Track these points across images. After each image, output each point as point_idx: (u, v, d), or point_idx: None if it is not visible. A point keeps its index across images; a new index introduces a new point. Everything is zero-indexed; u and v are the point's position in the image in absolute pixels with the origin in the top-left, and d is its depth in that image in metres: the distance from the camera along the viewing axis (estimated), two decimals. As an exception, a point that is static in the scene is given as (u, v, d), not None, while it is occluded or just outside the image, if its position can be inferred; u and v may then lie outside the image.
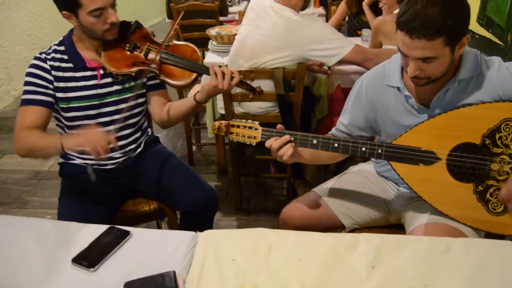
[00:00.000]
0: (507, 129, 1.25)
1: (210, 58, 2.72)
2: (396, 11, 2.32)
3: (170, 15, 3.87)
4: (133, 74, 1.62)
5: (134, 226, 1.31)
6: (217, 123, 1.41)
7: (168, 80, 1.66)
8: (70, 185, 1.73)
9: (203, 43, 3.64)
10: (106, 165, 1.72)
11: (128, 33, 1.65)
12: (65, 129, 1.68)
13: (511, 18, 2.05)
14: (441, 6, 1.16)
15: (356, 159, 2.44)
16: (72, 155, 1.72)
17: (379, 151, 1.32)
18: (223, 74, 1.58)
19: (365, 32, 2.72)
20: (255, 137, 1.40)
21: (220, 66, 1.62)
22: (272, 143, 1.35)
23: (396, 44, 2.25)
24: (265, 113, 2.28)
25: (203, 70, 1.66)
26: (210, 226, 1.82)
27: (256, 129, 1.40)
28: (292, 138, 1.35)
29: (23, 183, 2.97)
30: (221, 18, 3.83)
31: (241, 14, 3.53)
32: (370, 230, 1.59)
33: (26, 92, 1.57)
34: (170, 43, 1.70)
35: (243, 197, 2.64)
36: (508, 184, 1.23)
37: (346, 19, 3.31)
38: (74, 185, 1.71)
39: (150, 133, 1.90)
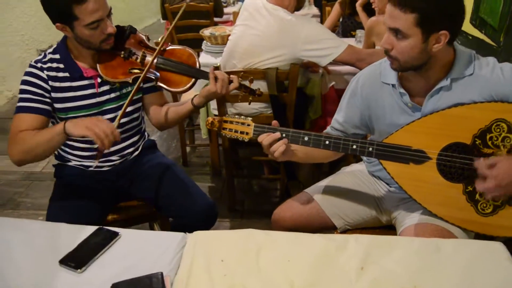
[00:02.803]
0: (498, 130, 1.25)
1: (204, 58, 2.71)
2: (389, 12, 2.31)
3: (164, 15, 3.86)
4: (130, 82, 1.61)
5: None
6: (210, 118, 1.41)
7: (166, 87, 1.65)
8: (63, 187, 1.72)
9: (197, 44, 3.62)
10: (102, 167, 1.71)
11: (122, 39, 1.61)
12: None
13: (504, 18, 2.05)
14: None
15: (350, 159, 2.45)
16: (68, 157, 1.71)
17: (370, 149, 1.32)
18: (222, 79, 1.56)
19: (359, 32, 2.72)
20: (247, 133, 1.39)
21: (216, 68, 1.60)
22: (264, 139, 1.35)
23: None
24: (259, 114, 2.28)
25: (200, 75, 1.65)
26: None
27: (248, 125, 1.39)
28: (284, 135, 1.35)
29: (16, 184, 2.96)
30: (215, 19, 3.83)
31: (236, 14, 3.52)
32: (362, 231, 1.59)
33: (21, 100, 1.53)
34: (166, 48, 1.69)
35: (236, 198, 2.63)
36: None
37: (341, 20, 3.32)
38: (68, 186, 1.70)
39: (147, 137, 1.89)
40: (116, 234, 1.23)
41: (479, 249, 1.13)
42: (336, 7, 3.26)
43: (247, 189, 2.85)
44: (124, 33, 1.62)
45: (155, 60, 1.62)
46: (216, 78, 1.57)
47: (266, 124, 1.38)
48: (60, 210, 1.63)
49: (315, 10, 4.06)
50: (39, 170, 3.08)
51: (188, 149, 3.18)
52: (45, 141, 1.44)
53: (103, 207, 1.73)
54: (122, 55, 1.61)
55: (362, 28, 2.95)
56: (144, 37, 1.68)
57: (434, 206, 1.32)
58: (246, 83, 1.70)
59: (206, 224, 1.76)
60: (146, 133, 1.90)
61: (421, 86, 1.36)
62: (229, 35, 2.66)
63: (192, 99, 1.64)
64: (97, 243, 1.20)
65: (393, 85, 1.41)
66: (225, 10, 4.27)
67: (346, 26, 3.22)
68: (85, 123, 1.37)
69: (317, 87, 2.45)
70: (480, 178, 1.23)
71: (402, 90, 1.38)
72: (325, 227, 1.60)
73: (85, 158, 1.70)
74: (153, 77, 1.63)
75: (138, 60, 1.62)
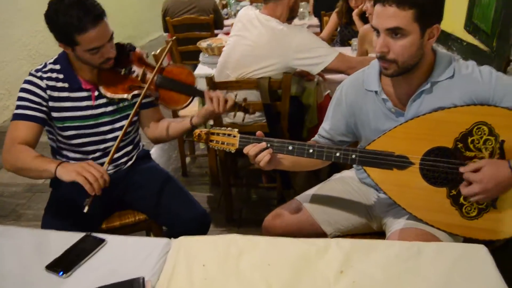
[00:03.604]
0: (479, 133, 1.25)
1: (201, 69, 2.75)
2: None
3: (166, 28, 3.93)
4: (129, 98, 1.64)
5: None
6: (197, 131, 1.43)
7: (165, 104, 1.69)
8: (59, 196, 1.74)
9: (198, 56, 3.68)
10: None
11: (122, 56, 1.65)
12: (59, 143, 1.69)
13: (496, 24, 2.06)
14: None
15: (347, 166, 2.45)
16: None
17: (353, 156, 1.33)
18: (218, 100, 1.61)
19: (355, 41, 2.75)
20: (233, 144, 1.41)
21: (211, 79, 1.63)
22: (249, 150, 1.36)
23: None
24: (253, 123, 2.30)
25: (198, 93, 1.69)
26: None
27: (234, 136, 1.41)
28: (268, 145, 1.36)
29: (18, 196, 3.00)
30: (216, 31, 3.89)
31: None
32: (353, 238, 1.58)
33: (19, 107, 1.57)
34: (165, 67, 1.72)
35: (234, 208, 2.64)
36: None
37: (338, 29, 3.35)
38: (63, 196, 1.72)
39: (141, 147, 1.92)
40: (102, 241, 1.25)
41: (461, 252, 1.12)
42: (334, 16, 3.29)
43: (245, 198, 2.86)
44: (124, 51, 1.67)
45: (155, 78, 1.65)
46: (212, 99, 1.61)
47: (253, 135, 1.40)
48: (54, 220, 1.65)
49: (315, 21, 4.10)
50: (42, 181, 3.12)
51: (188, 159, 3.21)
52: (37, 170, 1.46)
53: (98, 216, 1.75)
54: (122, 73, 1.65)
55: (359, 37, 2.98)
56: (143, 55, 1.72)
57: (419, 211, 1.32)
58: (240, 98, 1.75)
59: (199, 232, 1.77)
60: (140, 144, 1.93)
61: (403, 91, 1.38)
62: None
63: (191, 119, 1.68)
64: (83, 249, 1.22)
65: (376, 92, 1.42)
66: (226, 22, 4.34)
67: (343, 35, 3.25)
68: (75, 168, 1.37)
69: (312, 96, 2.47)
70: (465, 182, 1.24)
71: (384, 96, 1.40)
72: (316, 234, 1.59)
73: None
74: (153, 95, 1.67)
75: (139, 78, 1.66)
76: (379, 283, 1.05)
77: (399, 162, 1.30)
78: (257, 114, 2.26)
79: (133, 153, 1.85)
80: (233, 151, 1.43)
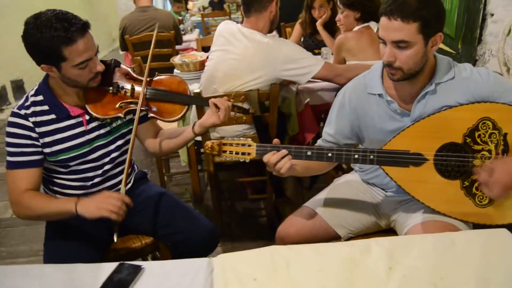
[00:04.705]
0: (484, 127, 1.37)
1: (178, 86, 2.72)
2: (356, 28, 2.46)
3: (124, 47, 3.84)
4: (123, 116, 1.59)
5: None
6: (209, 143, 1.41)
7: (159, 117, 1.65)
8: (57, 228, 1.65)
9: (162, 73, 3.62)
10: None
11: (108, 74, 1.59)
12: (52, 173, 1.61)
13: (459, 28, 2.25)
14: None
15: (330, 172, 2.53)
16: (58, 197, 1.65)
17: (371, 157, 1.39)
18: (224, 108, 1.61)
19: (324, 50, 2.86)
20: (249, 154, 1.41)
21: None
22: (270, 158, 1.38)
23: (360, 59, 2.39)
24: (242, 136, 2.31)
25: (193, 101, 1.66)
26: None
27: (249, 145, 1.41)
28: (287, 152, 1.39)
29: (-14, 233, 2.78)
30: (176, 47, 3.86)
31: (198, 41, 3.59)
32: (364, 237, 1.65)
33: (12, 154, 1.48)
34: (153, 78, 1.69)
35: (223, 223, 2.63)
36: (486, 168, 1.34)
37: (302, 39, 3.46)
38: (62, 227, 1.63)
39: (137, 168, 1.87)
40: (139, 268, 1.20)
41: (489, 237, 1.22)
42: (297, 27, 3.40)
43: (232, 212, 2.85)
44: (109, 68, 1.60)
45: (145, 92, 1.61)
46: (218, 108, 1.61)
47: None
48: (58, 253, 1.58)
49: (274, 32, 4.19)
50: (9, 216, 2.92)
51: (165, 178, 3.15)
52: (54, 213, 1.47)
53: (101, 244, 1.68)
54: (110, 91, 1.59)
55: (324, 45, 3.10)
56: (129, 69, 1.68)
57: (436, 204, 1.41)
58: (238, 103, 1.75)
59: (210, 246, 1.75)
60: (136, 166, 1.88)
61: (406, 93, 1.47)
62: (200, 61, 2.72)
63: (193, 128, 1.66)
64: (123, 279, 1.17)
65: (379, 95, 1.50)
66: (183, 37, 4.33)
67: (308, 45, 3.36)
68: (96, 204, 1.41)
69: (292, 105, 2.53)
70: (485, 186, 1.33)
71: (389, 98, 1.48)
72: (329, 238, 1.64)
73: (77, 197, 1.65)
74: (146, 109, 1.63)
75: (128, 94, 1.61)
76: (426, 275, 1.11)
77: (414, 159, 1.39)
78: (246, 126, 2.28)
79: (131, 176, 1.80)
80: (247, 161, 1.43)
